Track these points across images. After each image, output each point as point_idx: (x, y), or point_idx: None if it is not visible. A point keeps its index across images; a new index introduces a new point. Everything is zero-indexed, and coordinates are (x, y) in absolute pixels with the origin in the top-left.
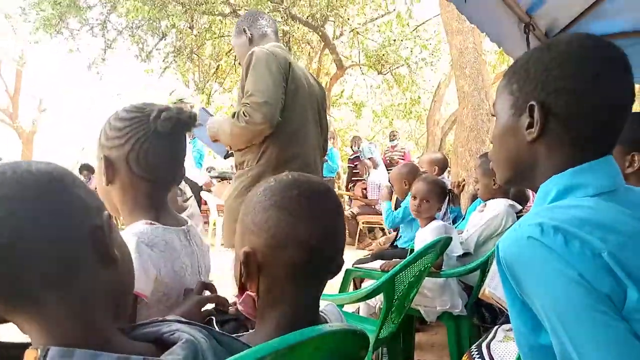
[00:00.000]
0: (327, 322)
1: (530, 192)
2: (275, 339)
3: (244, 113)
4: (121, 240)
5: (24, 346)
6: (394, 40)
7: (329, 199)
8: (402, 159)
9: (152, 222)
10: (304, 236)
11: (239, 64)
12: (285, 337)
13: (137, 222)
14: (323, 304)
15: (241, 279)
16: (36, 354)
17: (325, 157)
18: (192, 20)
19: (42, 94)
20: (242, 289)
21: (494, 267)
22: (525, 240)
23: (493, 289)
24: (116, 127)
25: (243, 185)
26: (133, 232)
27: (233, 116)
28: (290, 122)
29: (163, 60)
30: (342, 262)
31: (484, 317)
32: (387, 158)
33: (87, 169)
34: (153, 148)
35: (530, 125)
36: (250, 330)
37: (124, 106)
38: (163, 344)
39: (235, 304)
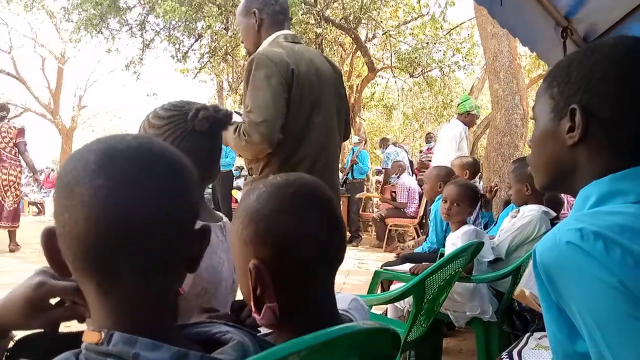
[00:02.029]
0: (352, 320)
1: (565, 199)
2: (309, 335)
3: (243, 132)
4: None
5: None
6: (427, 43)
7: (323, 189)
8: None
9: None
10: (311, 231)
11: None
12: (319, 333)
13: None
14: (347, 300)
15: (255, 293)
16: (99, 337)
17: (356, 159)
18: (227, 22)
19: (81, 91)
20: (257, 304)
21: (529, 268)
22: (564, 245)
23: (530, 288)
24: (155, 125)
25: (254, 184)
26: None
27: (235, 130)
28: (294, 127)
29: (198, 61)
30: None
31: (514, 324)
32: (423, 160)
33: None
34: (190, 146)
35: (571, 129)
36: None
37: (163, 104)
38: (212, 343)
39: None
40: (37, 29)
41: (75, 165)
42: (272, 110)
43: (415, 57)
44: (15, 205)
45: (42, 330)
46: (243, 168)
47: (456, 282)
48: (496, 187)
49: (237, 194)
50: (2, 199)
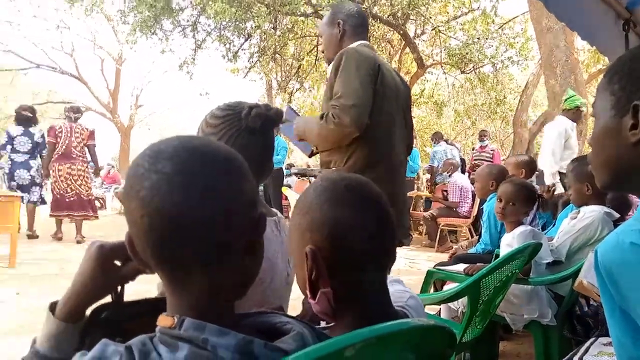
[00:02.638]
0: (408, 316)
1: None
2: (365, 328)
3: (332, 115)
4: None
5: (144, 304)
6: (478, 39)
7: (374, 187)
8: (491, 161)
9: None
10: (362, 224)
11: (322, 52)
12: (375, 327)
13: None
14: (405, 297)
15: (311, 277)
16: (172, 322)
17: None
18: (276, 21)
19: (138, 91)
20: (313, 289)
21: (589, 259)
22: (628, 246)
23: (589, 279)
24: (212, 124)
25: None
26: None
27: (321, 117)
28: (377, 124)
29: (248, 60)
30: (396, 252)
31: (575, 329)
32: (475, 159)
33: None
34: (244, 143)
35: (634, 127)
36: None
37: (219, 105)
38: (273, 333)
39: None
40: (96, 31)
41: (137, 168)
42: (362, 96)
43: (466, 53)
44: (90, 196)
45: (109, 302)
46: (293, 165)
47: (513, 284)
48: (554, 187)
49: (286, 191)
50: (77, 190)
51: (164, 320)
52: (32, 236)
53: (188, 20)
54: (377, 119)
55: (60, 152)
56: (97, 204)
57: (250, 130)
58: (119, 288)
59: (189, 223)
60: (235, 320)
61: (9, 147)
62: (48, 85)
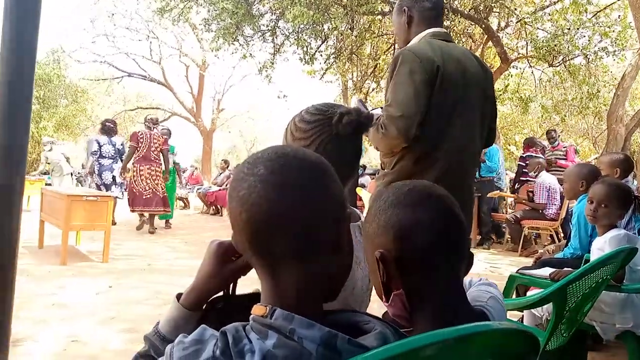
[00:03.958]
0: (489, 317)
1: None
2: (444, 330)
3: (381, 125)
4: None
5: (253, 297)
6: (568, 29)
7: (437, 188)
8: (564, 159)
9: None
10: (427, 222)
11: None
12: (453, 329)
13: None
14: (485, 297)
15: (383, 280)
16: (265, 311)
17: (483, 157)
18: (353, 22)
19: (219, 95)
20: (386, 292)
21: None
22: None
23: None
24: (301, 129)
25: (378, 189)
26: None
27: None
28: (433, 126)
29: (324, 62)
30: (470, 251)
31: None
32: (548, 159)
33: None
34: (334, 149)
35: None
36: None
37: (308, 108)
38: (355, 330)
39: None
40: (182, 40)
41: (238, 174)
42: (412, 106)
43: (555, 45)
44: (164, 194)
45: (224, 294)
46: (366, 166)
47: (604, 291)
48: None
49: (361, 192)
50: (154, 189)
51: (257, 309)
52: (112, 222)
53: (267, 25)
54: (432, 124)
55: (140, 155)
56: (182, 203)
57: (340, 137)
58: (232, 284)
59: (281, 218)
60: (321, 315)
61: (98, 153)
62: (138, 92)
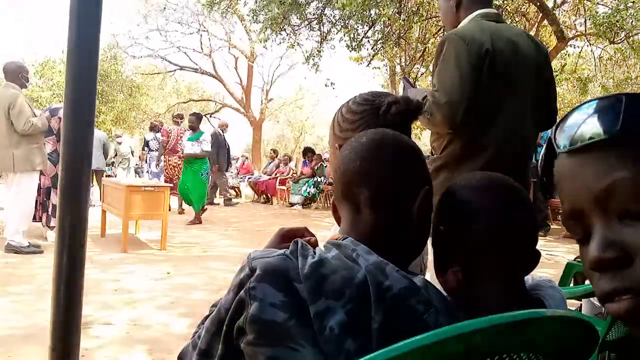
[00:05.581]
0: (545, 306)
1: None
2: (495, 316)
3: (427, 110)
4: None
5: None
6: (633, 2)
7: (503, 177)
8: None
9: None
10: (489, 206)
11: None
12: (505, 315)
13: None
14: (545, 286)
15: (438, 253)
16: (339, 236)
17: (540, 141)
18: (401, 5)
19: (267, 86)
20: (441, 266)
21: None
22: None
23: None
24: (348, 120)
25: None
26: None
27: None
28: (483, 110)
29: (372, 48)
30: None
31: None
32: None
33: (310, 151)
34: None
35: None
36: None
37: (355, 97)
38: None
39: None
40: (231, 32)
41: (343, 152)
42: (458, 92)
43: (617, 21)
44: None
45: None
46: None
47: None
48: None
49: None
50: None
51: (334, 237)
52: (180, 212)
53: (314, 14)
54: (481, 109)
55: (169, 148)
56: (233, 192)
57: (388, 127)
58: None
59: (369, 172)
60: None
61: (146, 148)
62: (189, 85)
